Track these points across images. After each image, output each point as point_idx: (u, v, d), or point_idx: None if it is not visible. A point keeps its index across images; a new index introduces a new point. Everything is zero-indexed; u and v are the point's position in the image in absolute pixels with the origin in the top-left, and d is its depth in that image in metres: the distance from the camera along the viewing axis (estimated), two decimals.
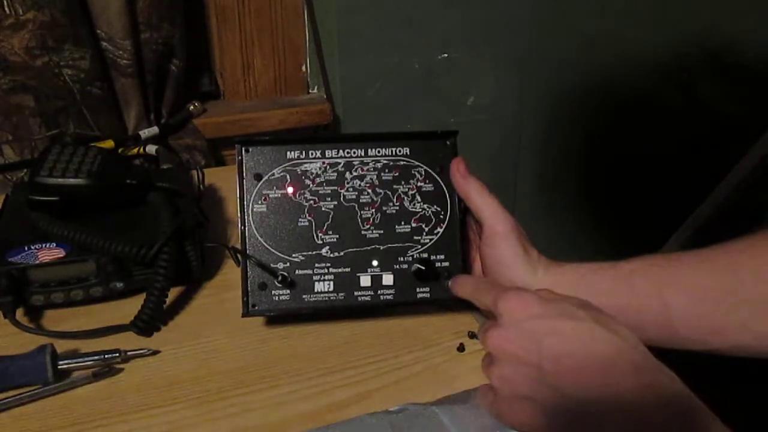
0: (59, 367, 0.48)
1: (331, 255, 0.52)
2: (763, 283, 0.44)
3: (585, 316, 0.41)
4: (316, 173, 0.53)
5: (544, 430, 0.40)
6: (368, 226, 0.53)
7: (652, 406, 0.37)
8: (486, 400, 0.44)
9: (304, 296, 0.52)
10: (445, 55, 1.05)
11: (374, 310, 0.54)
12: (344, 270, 0.52)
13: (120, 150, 0.80)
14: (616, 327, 0.41)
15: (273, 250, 0.51)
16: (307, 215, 0.52)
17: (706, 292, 0.45)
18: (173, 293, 0.57)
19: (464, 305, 0.56)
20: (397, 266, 0.53)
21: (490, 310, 0.45)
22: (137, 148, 0.80)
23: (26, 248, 0.53)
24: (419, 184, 0.54)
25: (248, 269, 0.51)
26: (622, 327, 0.41)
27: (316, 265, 0.52)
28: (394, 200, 0.53)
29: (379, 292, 0.52)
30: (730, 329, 0.44)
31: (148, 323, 0.52)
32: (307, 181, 0.52)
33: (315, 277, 0.52)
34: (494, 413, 0.43)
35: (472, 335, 0.53)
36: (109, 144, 0.79)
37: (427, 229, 0.53)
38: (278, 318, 0.54)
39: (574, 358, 0.39)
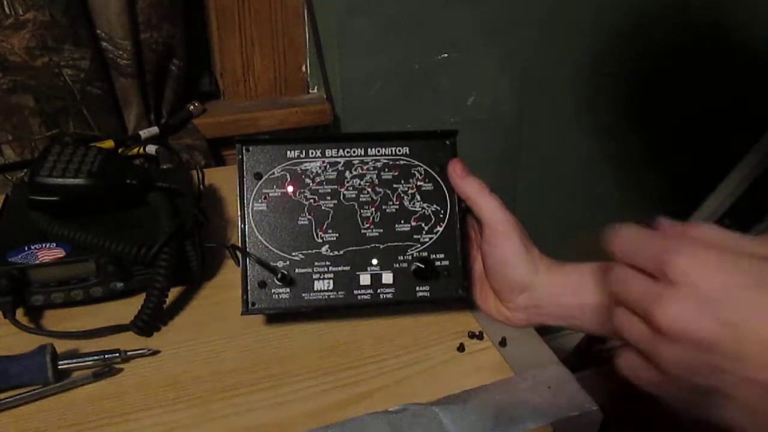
0: (59, 367, 0.48)
1: (331, 254, 0.52)
2: None
3: None
4: (316, 172, 0.53)
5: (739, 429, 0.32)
6: (368, 225, 0.52)
7: None
8: (633, 368, 0.35)
9: (303, 295, 0.51)
10: (445, 55, 1.05)
11: (374, 308, 0.54)
12: (344, 269, 0.52)
13: (120, 150, 0.80)
14: None
15: (273, 249, 0.51)
16: (307, 214, 0.52)
17: None
18: (173, 293, 0.57)
19: (464, 305, 0.56)
20: (397, 265, 0.52)
21: (650, 267, 0.33)
22: (137, 148, 0.80)
23: (26, 248, 0.53)
24: (419, 183, 0.54)
25: (248, 267, 0.51)
26: None
27: (316, 263, 0.52)
28: (394, 199, 0.53)
29: (378, 290, 0.52)
30: None
31: (148, 323, 0.52)
32: (307, 180, 0.52)
33: (315, 276, 0.52)
34: (652, 388, 0.34)
35: (472, 335, 0.53)
36: (109, 144, 0.79)
37: (426, 228, 0.53)
38: (278, 317, 0.54)
39: None
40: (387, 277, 0.52)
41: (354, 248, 0.52)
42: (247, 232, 0.51)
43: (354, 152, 0.53)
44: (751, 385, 0.31)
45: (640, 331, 0.34)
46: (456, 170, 0.52)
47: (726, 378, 0.31)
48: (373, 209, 0.53)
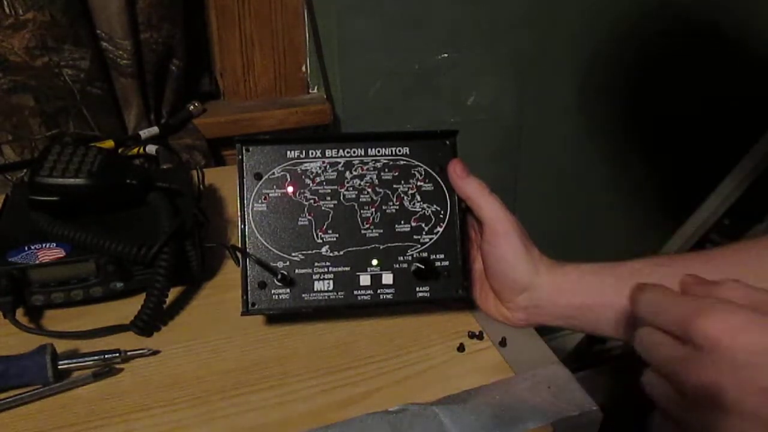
0: (59, 367, 0.48)
1: (331, 254, 0.52)
2: (766, 282, 0.43)
3: None
4: (316, 172, 0.53)
5: None
6: (368, 226, 0.52)
7: None
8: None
9: (303, 295, 0.51)
10: (445, 55, 1.05)
11: (374, 309, 0.54)
12: (344, 269, 0.52)
13: (120, 150, 0.80)
14: None
15: (273, 249, 0.51)
16: (306, 214, 0.52)
17: None
18: (173, 293, 0.57)
19: (464, 305, 0.56)
20: (397, 265, 0.52)
21: (674, 330, 0.33)
22: (137, 148, 0.80)
23: (26, 248, 0.53)
24: (419, 183, 0.54)
25: (248, 268, 0.51)
26: None
27: (316, 264, 0.52)
28: (394, 200, 0.53)
29: (378, 291, 0.52)
30: None
31: (148, 323, 0.52)
32: (307, 181, 0.52)
33: (315, 276, 0.52)
34: None
35: (472, 335, 0.53)
36: (109, 144, 0.79)
37: (426, 228, 0.53)
38: (278, 317, 0.54)
39: None
40: (387, 278, 0.52)
41: (354, 249, 0.52)
42: (247, 233, 0.51)
43: (354, 152, 0.53)
44: None
45: (669, 397, 0.33)
46: (456, 170, 0.52)
47: None
48: (373, 209, 0.53)
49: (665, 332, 0.33)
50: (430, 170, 0.54)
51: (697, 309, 0.32)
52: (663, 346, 0.33)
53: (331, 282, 0.52)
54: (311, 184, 0.52)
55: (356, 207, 0.53)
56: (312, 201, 0.52)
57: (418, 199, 0.53)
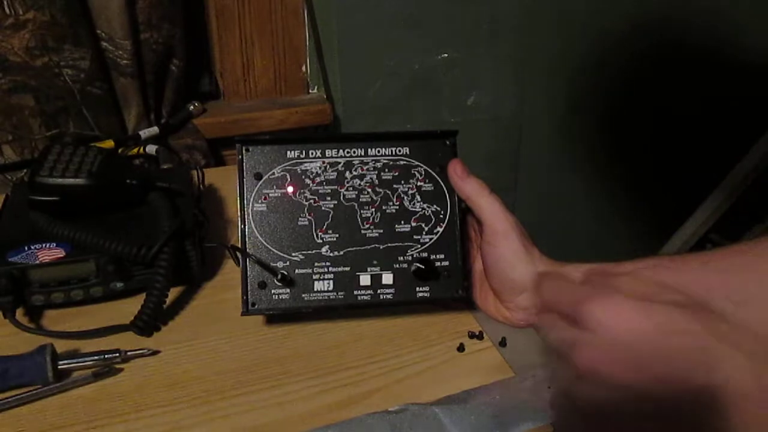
0: (59, 367, 0.48)
1: (331, 254, 0.52)
2: (766, 284, 0.44)
3: (698, 328, 0.33)
4: (316, 173, 0.53)
5: None
6: (368, 226, 0.52)
7: None
8: (561, 414, 0.37)
9: (303, 295, 0.51)
10: (445, 55, 1.05)
11: (374, 309, 0.54)
12: (344, 269, 0.52)
13: (120, 150, 0.80)
14: (737, 337, 0.33)
15: (273, 249, 0.51)
16: (307, 214, 0.52)
17: (711, 292, 0.45)
18: (173, 293, 0.57)
19: (464, 305, 0.56)
20: (397, 265, 0.52)
21: (568, 314, 0.36)
22: (137, 148, 0.80)
23: (26, 248, 0.53)
24: (419, 183, 0.54)
25: (248, 268, 0.51)
26: (746, 333, 0.33)
27: (316, 264, 0.52)
28: (394, 200, 0.53)
29: (378, 291, 0.52)
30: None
31: (148, 323, 0.52)
32: (307, 181, 0.52)
33: (315, 276, 0.52)
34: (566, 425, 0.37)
35: (472, 335, 0.53)
36: (109, 144, 0.79)
37: (426, 228, 0.53)
38: (278, 317, 0.54)
39: (692, 386, 0.32)
40: (387, 278, 0.52)
41: (354, 249, 0.52)
42: (247, 233, 0.51)
43: (354, 152, 0.53)
44: (660, 425, 0.33)
45: (564, 374, 0.36)
46: (456, 170, 0.52)
47: (638, 417, 0.33)
48: (373, 210, 0.53)
49: (562, 317, 0.36)
50: (430, 170, 0.54)
51: (588, 295, 0.35)
52: (558, 329, 0.36)
53: (331, 282, 0.52)
54: (311, 184, 0.52)
55: (356, 207, 0.53)
56: (312, 201, 0.52)
57: (418, 199, 0.53)
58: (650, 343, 0.33)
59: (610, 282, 0.37)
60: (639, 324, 0.33)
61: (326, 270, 0.52)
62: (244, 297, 0.51)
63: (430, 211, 0.53)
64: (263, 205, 0.52)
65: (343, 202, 0.53)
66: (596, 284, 0.37)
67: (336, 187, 0.53)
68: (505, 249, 0.50)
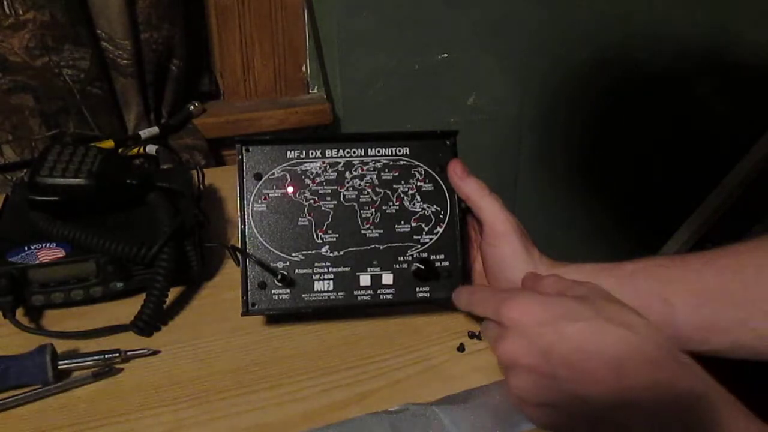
0: (59, 367, 0.48)
1: (331, 254, 0.52)
2: (766, 284, 0.44)
3: (591, 313, 0.39)
4: (316, 173, 0.53)
5: (572, 430, 0.40)
6: (368, 226, 0.52)
7: (667, 402, 0.37)
8: (514, 402, 0.43)
9: (303, 295, 0.51)
10: (445, 55, 1.05)
11: (374, 309, 0.54)
12: (344, 269, 0.52)
13: (120, 150, 0.79)
14: (625, 319, 0.39)
15: (273, 250, 0.51)
16: (306, 215, 0.52)
17: (710, 293, 0.45)
18: (173, 293, 0.57)
19: None
20: (397, 266, 0.52)
21: (493, 317, 0.43)
22: (137, 148, 0.80)
23: (26, 248, 0.53)
24: (419, 183, 0.53)
25: (248, 268, 0.51)
26: (632, 315, 0.40)
27: (316, 264, 0.52)
28: (394, 200, 0.53)
29: (378, 291, 0.52)
30: (732, 329, 0.44)
31: (148, 323, 0.52)
32: (307, 181, 0.52)
33: (315, 277, 0.52)
34: (524, 415, 0.42)
35: (472, 335, 0.53)
36: (109, 144, 0.79)
37: (426, 228, 0.53)
38: (278, 317, 0.54)
39: (586, 362, 0.38)
40: (387, 278, 0.52)
41: (354, 249, 0.52)
42: (247, 233, 0.51)
43: (354, 153, 0.53)
44: (568, 398, 0.38)
45: (503, 373, 0.43)
46: (456, 171, 0.52)
47: (552, 394, 0.39)
48: (373, 210, 0.53)
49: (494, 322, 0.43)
50: (430, 170, 0.54)
51: (503, 298, 0.42)
52: (489, 330, 0.43)
53: (331, 282, 0.52)
54: (311, 185, 0.52)
55: (356, 207, 0.53)
56: (312, 201, 0.52)
57: (418, 199, 0.53)
58: (551, 330, 0.39)
59: (535, 284, 0.45)
60: (541, 316, 0.40)
61: (326, 270, 0.52)
62: (244, 297, 0.51)
63: (430, 212, 0.53)
64: (263, 205, 0.52)
65: (343, 202, 0.53)
66: (526, 284, 0.47)
67: (336, 187, 0.53)
68: (506, 249, 0.50)
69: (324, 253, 0.52)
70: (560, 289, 0.43)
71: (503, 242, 0.50)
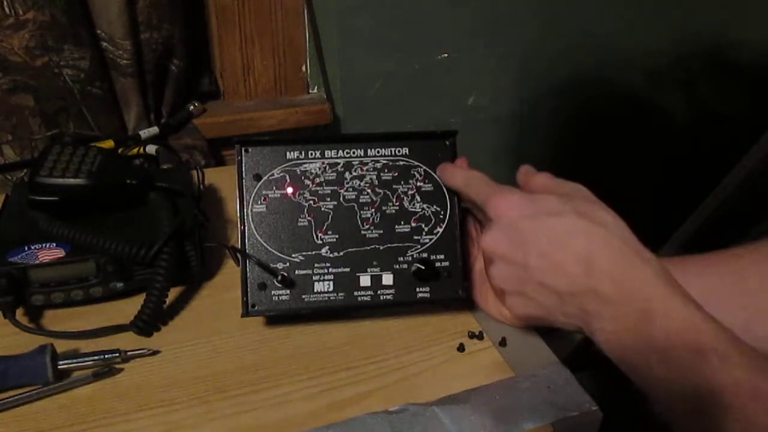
0: (59, 367, 0.48)
1: (331, 255, 0.52)
2: (765, 288, 0.44)
3: (568, 210, 0.43)
4: (316, 173, 0.53)
5: (542, 321, 0.46)
6: (368, 226, 0.53)
7: (626, 292, 0.40)
8: (486, 301, 0.49)
9: (303, 296, 0.52)
10: (445, 55, 1.05)
11: (374, 310, 0.54)
12: (344, 270, 0.52)
13: (120, 150, 0.79)
14: (599, 216, 0.43)
15: (273, 250, 0.51)
16: (306, 215, 0.52)
17: (711, 295, 0.45)
18: (173, 293, 0.57)
19: (464, 305, 0.56)
20: (397, 266, 0.52)
21: (478, 206, 0.48)
22: (137, 148, 0.80)
23: (26, 248, 0.53)
24: (419, 184, 0.54)
25: (248, 269, 0.51)
26: (604, 213, 0.44)
27: (316, 265, 0.52)
28: (394, 200, 0.53)
29: (378, 292, 0.52)
30: (732, 330, 0.44)
31: (148, 323, 0.52)
32: (307, 182, 0.52)
33: (315, 277, 0.52)
34: (499, 311, 0.48)
35: (472, 335, 0.53)
36: (109, 144, 0.79)
37: (426, 228, 0.53)
38: (278, 318, 0.54)
39: (556, 254, 0.42)
40: (387, 279, 0.52)
41: (354, 249, 0.52)
42: (246, 234, 0.51)
43: (354, 153, 0.53)
44: (540, 287, 0.42)
45: (486, 267, 0.48)
46: (462, 166, 0.53)
47: (526, 283, 0.43)
48: (373, 210, 0.53)
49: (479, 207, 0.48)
50: (430, 170, 0.54)
51: (492, 192, 0.46)
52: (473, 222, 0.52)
53: (332, 283, 0.52)
54: (311, 185, 0.52)
55: (356, 208, 0.53)
56: (312, 202, 0.52)
57: (418, 199, 0.53)
58: (530, 224, 0.43)
59: (528, 179, 0.49)
60: (523, 210, 0.44)
61: (326, 271, 0.52)
62: (244, 298, 0.51)
63: (429, 212, 0.53)
64: (263, 206, 0.52)
65: (343, 202, 0.53)
66: (519, 179, 0.49)
67: (336, 187, 0.53)
68: None
69: (324, 254, 0.52)
70: (548, 185, 0.47)
71: None
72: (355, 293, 0.52)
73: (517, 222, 0.44)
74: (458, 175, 0.51)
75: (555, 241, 0.42)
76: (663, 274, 0.41)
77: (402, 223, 0.53)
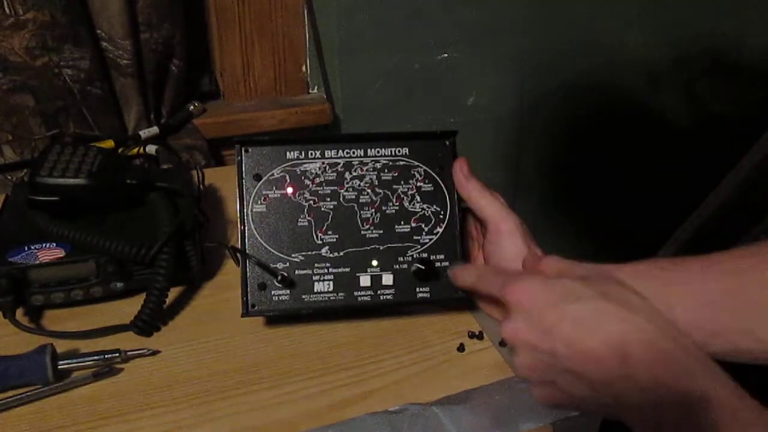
0: (59, 367, 0.48)
1: (331, 255, 0.52)
2: (766, 289, 0.44)
3: (591, 294, 0.40)
4: (316, 173, 0.53)
5: (573, 409, 0.43)
6: (368, 226, 0.53)
7: (666, 380, 0.37)
8: (521, 378, 0.46)
9: (303, 296, 0.52)
10: (445, 55, 1.05)
11: (374, 310, 0.54)
12: (344, 270, 0.52)
13: (120, 150, 0.80)
14: (625, 298, 0.40)
15: (273, 250, 0.51)
16: (306, 215, 0.52)
17: (712, 296, 0.45)
18: (173, 293, 0.57)
19: (464, 305, 0.56)
20: (397, 266, 0.52)
21: (496, 298, 0.45)
22: (137, 148, 0.80)
23: (26, 248, 0.53)
24: (419, 184, 0.54)
25: (248, 269, 0.51)
26: (632, 296, 0.41)
27: (316, 265, 0.52)
28: (394, 200, 0.53)
29: (379, 292, 0.52)
30: (732, 332, 0.44)
31: (148, 323, 0.52)
32: (307, 182, 0.52)
33: (315, 277, 0.52)
34: (532, 394, 0.44)
35: (472, 335, 0.53)
36: (109, 144, 0.79)
37: (426, 229, 0.53)
38: (278, 318, 0.54)
39: (586, 341, 0.39)
40: (387, 279, 0.52)
41: (354, 249, 0.52)
42: (246, 234, 0.51)
43: (353, 153, 0.53)
44: (569, 375, 0.40)
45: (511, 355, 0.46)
46: (462, 170, 0.52)
47: (554, 372, 0.41)
48: (373, 210, 0.53)
49: (496, 301, 0.46)
50: (430, 170, 0.54)
51: (507, 280, 0.43)
52: (491, 311, 0.51)
53: (332, 283, 0.52)
54: (311, 185, 0.52)
55: (356, 208, 0.53)
56: (312, 202, 0.52)
57: (418, 199, 0.53)
58: (553, 311, 0.40)
59: (535, 263, 0.47)
60: (543, 297, 0.41)
61: (326, 271, 0.52)
62: (244, 298, 0.51)
63: (429, 212, 0.53)
64: (263, 206, 0.52)
65: (343, 202, 0.53)
66: (526, 265, 0.48)
67: (336, 187, 0.53)
68: (508, 248, 0.50)
69: (324, 254, 0.52)
70: (561, 269, 0.45)
71: (506, 241, 0.50)
72: (355, 293, 0.52)
73: (539, 310, 0.41)
74: (469, 274, 0.50)
75: (583, 328, 0.40)
76: (705, 361, 0.39)
77: (402, 223, 0.53)
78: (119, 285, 0.55)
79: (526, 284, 0.43)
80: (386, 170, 0.53)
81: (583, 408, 0.42)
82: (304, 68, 0.97)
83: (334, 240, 0.52)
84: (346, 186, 0.53)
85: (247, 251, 0.51)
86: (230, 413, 0.46)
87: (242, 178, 0.52)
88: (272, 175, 0.52)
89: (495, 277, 0.47)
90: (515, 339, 0.42)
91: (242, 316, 0.51)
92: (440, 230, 0.53)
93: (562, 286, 0.42)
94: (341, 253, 0.52)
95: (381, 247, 0.52)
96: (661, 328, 0.39)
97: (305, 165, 0.53)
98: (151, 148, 0.80)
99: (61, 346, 0.50)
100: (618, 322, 0.39)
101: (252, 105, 0.95)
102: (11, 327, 0.51)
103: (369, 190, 0.53)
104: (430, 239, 0.53)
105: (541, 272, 0.45)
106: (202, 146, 0.86)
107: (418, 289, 0.53)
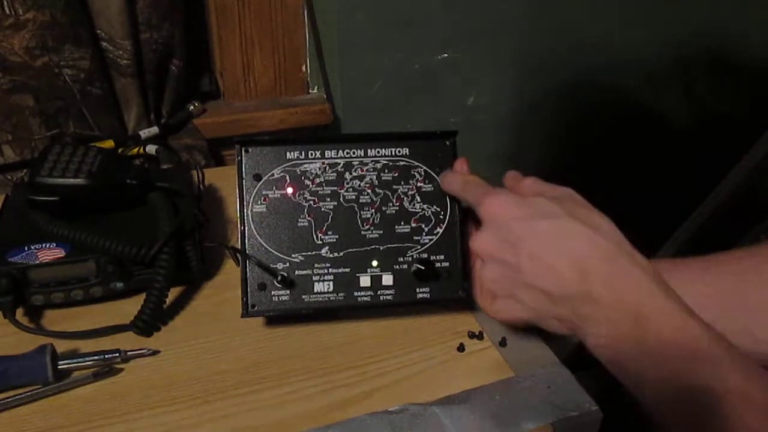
0: (59, 367, 0.48)
1: (331, 255, 0.52)
2: (766, 291, 0.44)
3: (561, 212, 0.43)
4: (316, 173, 0.53)
5: (534, 323, 0.45)
6: (368, 227, 0.53)
7: (622, 296, 0.40)
8: (486, 302, 0.48)
9: (303, 296, 0.52)
10: (445, 55, 1.05)
11: (374, 310, 0.54)
12: (344, 270, 0.52)
13: (120, 150, 0.80)
14: (591, 218, 0.43)
15: (272, 251, 0.51)
16: (306, 215, 0.52)
17: (712, 297, 0.45)
18: (173, 293, 0.57)
19: (464, 305, 0.56)
20: (397, 266, 0.53)
21: (473, 206, 0.48)
22: (137, 148, 0.80)
23: (26, 248, 0.53)
24: (419, 184, 0.54)
25: (248, 269, 0.51)
26: (598, 217, 0.44)
27: (316, 265, 0.52)
28: (394, 200, 0.53)
29: (378, 292, 0.52)
30: (732, 333, 0.44)
31: (148, 323, 0.52)
32: (307, 182, 0.52)
33: (315, 278, 0.52)
34: (493, 313, 0.47)
35: (472, 335, 0.53)
36: (109, 144, 0.79)
37: (426, 229, 0.53)
38: (278, 318, 0.54)
39: (549, 257, 0.41)
40: (387, 279, 0.52)
41: (354, 250, 0.52)
42: (246, 234, 0.51)
43: (354, 153, 0.53)
44: (531, 290, 0.42)
45: (477, 268, 0.49)
46: (463, 169, 0.53)
47: (517, 286, 0.43)
48: (373, 210, 0.53)
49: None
50: (430, 171, 0.54)
51: (485, 193, 0.46)
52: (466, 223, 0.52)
53: (331, 283, 0.52)
54: (311, 185, 0.52)
55: (356, 208, 0.53)
56: (312, 202, 0.52)
57: (418, 199, 0.53)
58: (522, 226, 0.43)
59: (516, 184, 0.48)
60: (515, 212, 0.43)
61: (326, 271, 0.52)
62: (244, 299, 0.51)
63: (430, 212, 0.53)
64: (263, 206, 0.52)
65: (343, 203, 0.53)
66: (507, 184, 0.49)
67: (336, 188, 0.53)
68: None
69: (324, 254, 0.52)
70: (538, 190, 0.47)
71: None
72: (355, 293, 0.52)
73: (509, 223, 0.44)
74: (456, 180, 0.51)
75: (548, 243, 0.42)
76: (657, 280, 0.41)
77: (402, 223, 0.53)
78: (119, 285, 0.55)
79: (501, 198, 0.45)
80: (386, 170, 0.53)
81: (543, 324, 0.44)
82: (304, 68, 0.97)
83: (334, 240, 0.52)
84: (346, 186, 0.53)
85: (247, 251, 0.51)
86: (230, 413, 0.46)
87: (242, 178, 0.52)
88: (272, 175, 0.52)
89: (477, 187, 0.48)
90: (484, 251, 0.45)
91: (242, 317, 0.51)
92: (440, 230, 0.53)
93: (535, 203, 0.44)
94: (341, 254, 0.52)
95: (381, 248, 0.52)
96: (622, 248, 0.42)
97: (305, 165, 0.53)
98: (151, 148, 0.80)
99: (61, 346, 0.50)
100: (581, 241, 0.41)
101: (252, 105, 0.95)
102: (11, 327, 0.51)
103: (369, 191, 0.53)
104: (430, 239, 0.53)
105: (519, 192, 0.47)
106: (202, 146, 0.86)
107: (418, 290, 0.53)
